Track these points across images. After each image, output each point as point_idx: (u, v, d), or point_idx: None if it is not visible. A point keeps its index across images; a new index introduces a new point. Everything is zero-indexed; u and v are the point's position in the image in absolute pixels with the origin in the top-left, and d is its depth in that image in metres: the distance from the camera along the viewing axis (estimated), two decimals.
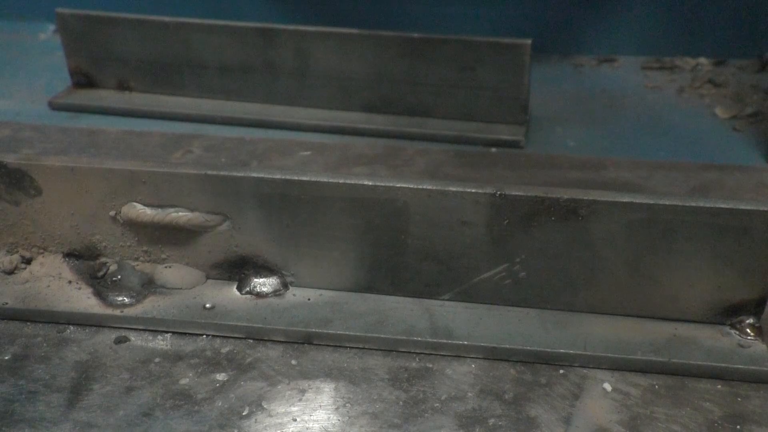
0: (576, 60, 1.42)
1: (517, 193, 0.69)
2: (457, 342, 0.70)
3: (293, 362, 0.70)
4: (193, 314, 0.73)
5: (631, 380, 0.68)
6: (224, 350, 0.71)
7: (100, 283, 0.76)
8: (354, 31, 1.12)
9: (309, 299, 0.75)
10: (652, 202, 0.67)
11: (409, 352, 0.71)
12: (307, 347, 0.71)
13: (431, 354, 0.71)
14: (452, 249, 0.72)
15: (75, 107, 1.20)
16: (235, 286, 0.76)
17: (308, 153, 1.06)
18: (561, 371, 0.69)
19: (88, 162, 0.74)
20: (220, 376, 0.68)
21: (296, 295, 0.76)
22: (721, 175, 1.00)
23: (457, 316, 0.73)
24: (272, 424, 0.63)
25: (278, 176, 0.71)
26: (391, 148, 1.08)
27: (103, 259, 0.78)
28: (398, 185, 0.70)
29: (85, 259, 0.78)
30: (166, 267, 0.77)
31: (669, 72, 1.36)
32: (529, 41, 1.07)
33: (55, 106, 1.21)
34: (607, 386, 0.67)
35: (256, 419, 0.64)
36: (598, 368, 0.69)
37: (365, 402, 0.66)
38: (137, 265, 0.77)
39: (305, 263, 0.75)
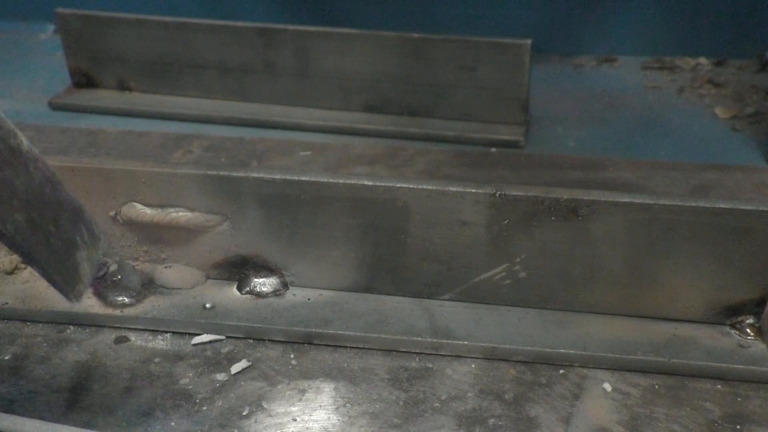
0: (576, 60, 1.42)
1: (517, 193, 0.69)
2: (457, 342, 0.70)
3: (293, 362, 0.70)
4: (193, 314, 0.73)
5: (631, 380, 0.68)
6: (224, 350, 0.71)
7: (100, 283, 0.76)
8: (354, 31, 1.12)
9: (309, 299, 0.75)
10: (652, 202, 0.67)
11: (409, 352, 0.71)
12: (307, 347, 0.72)
13: (431, 354, 0.71)
14: (452, 249, 0.72)
15: (75, 107, 1.20)
16: (235, 286, 0.76)
17: (308, 153, 1.06)
18: (561, 371, 0.69)
19: (88, 162, 0.74)
20: (220, 376, 0.68)
21: (296, 295, 0.76)
22: (721, 175, 1.00)
23: (457, 316, 0.73)
24: (272, 424, 0.63)
25: (278, 176, 0.71)
26: (391, 148, 1.08)
27: (103, 259, 0.78)
28: (398, 185, 0.70)
29: None
30: (166, 267, 0.77)
31: (669, 72, 1.36)
32: (529, 41, 1.07)
33: (55, 106, 1.21)
34: (607, 386, 0.67)
35: (256, 419, 0.64)
36: (598, 368, 0.69)
37: (365, 402, 0.66)
38: (137, 265, 0.77)
39: (305, 263, 0.75)
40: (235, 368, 0.69)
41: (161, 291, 0.76)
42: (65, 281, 0.55)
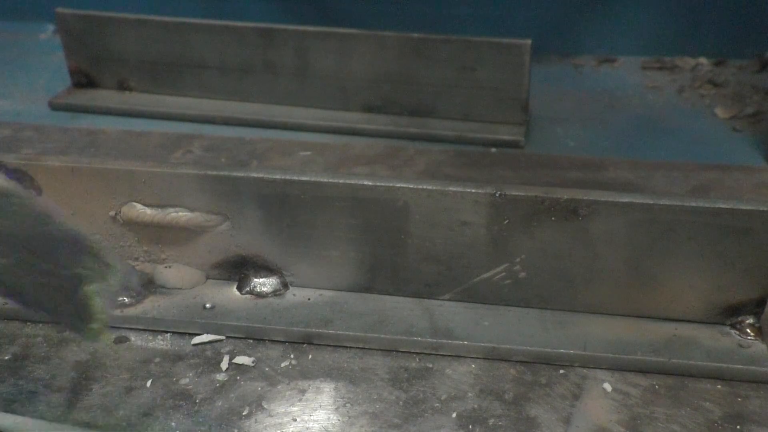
0: (576, 60, 1.42)
1: (517, 193, 0.69)
2: (457, 342, 0.70)
3: (293, 362, 0.70)
4: (193, 314, 0.73)
5: (631, 380, 0.68)
6: (224, 350, 0.71)
7: None
8: (354, 31, 1.12)
9: (309, 299, 0.75)
10: (652, 202, 0.67)
11: (409, 352, 0.71)
12: (307, 347, 0.72)
13: (431, 354, 0.71)
14: (452, 249, 0.72)
15: (75, 107, 1.20)
16: (235, 286, 0.76)
17: (308, 153, 1.06)
18: (561, 371, 0.69)
19: (88, 162, 0.74)
20: (220, 376, 0.68)
21: (296, 295, 0.76)
22: (721, 175, 1.00)
23: (457, 316, 0.73)
24: (272, 424, 0.63)
25: (278, 176, 0.71)
26: (391, 148, 1.08)
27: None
28: (398, 185, 0.70)
29: None
30: (166, 267, 0.77)
31: (669, 72, 1.36)
32: (529, 41, 1.07)
33: (55, 106, 1.21)
34: (607, 386, 0.67)
35: (256, 419, 0.64)
36: (598, 368, 0.69)
37: (365, 402, 0.66)
38: (137, 265, 0.77)
39: (305, 263, 0.75)
40: (238, 360, 0.69)
41: (161, 291, 0.76)
42: (74, 320, 0.53)
